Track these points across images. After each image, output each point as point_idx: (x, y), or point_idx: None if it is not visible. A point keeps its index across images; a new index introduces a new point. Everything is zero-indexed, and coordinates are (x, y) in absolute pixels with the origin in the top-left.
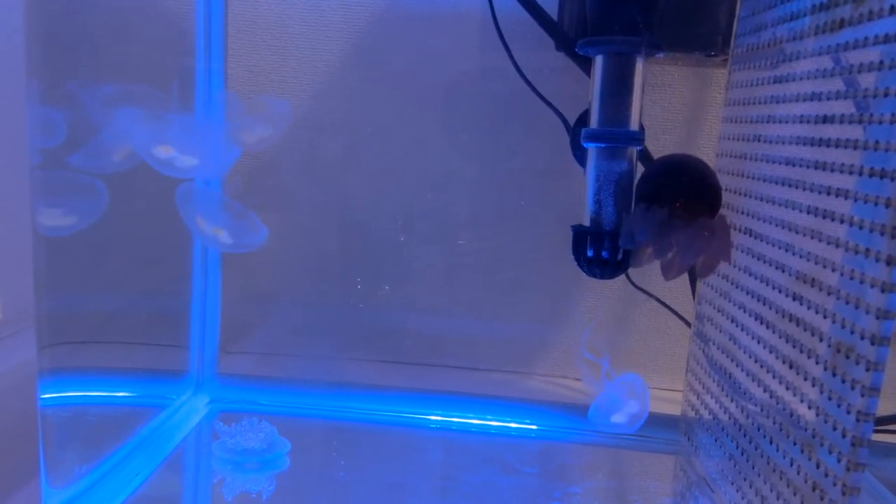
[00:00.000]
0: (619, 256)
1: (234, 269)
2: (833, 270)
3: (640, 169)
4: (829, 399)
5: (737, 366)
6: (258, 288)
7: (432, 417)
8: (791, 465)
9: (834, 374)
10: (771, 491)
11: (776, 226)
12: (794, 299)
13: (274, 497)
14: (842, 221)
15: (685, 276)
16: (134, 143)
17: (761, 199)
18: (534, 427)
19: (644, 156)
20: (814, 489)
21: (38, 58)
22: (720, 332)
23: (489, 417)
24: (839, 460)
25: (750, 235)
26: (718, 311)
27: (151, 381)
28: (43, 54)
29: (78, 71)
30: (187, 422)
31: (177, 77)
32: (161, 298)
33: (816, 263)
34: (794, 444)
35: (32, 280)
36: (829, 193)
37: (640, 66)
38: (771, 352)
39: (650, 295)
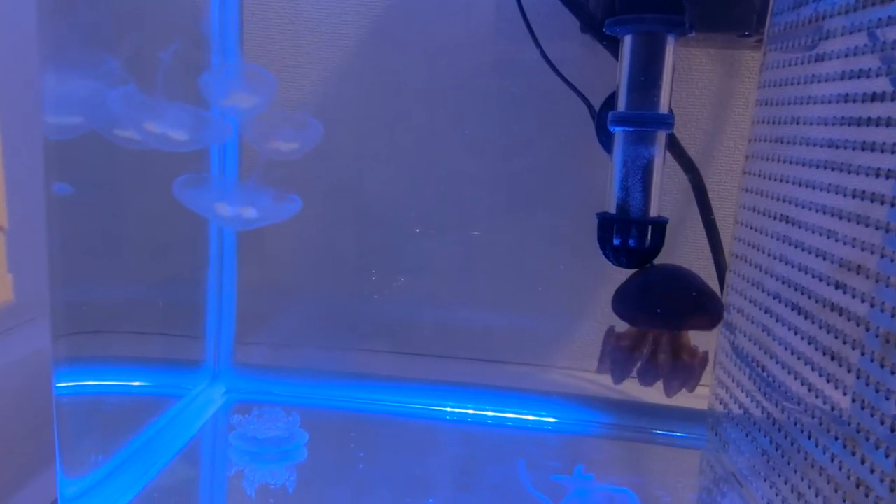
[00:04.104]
0: (647, 244)
1: (249, 260)
2: (882, 256)
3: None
4: (877, 392)
5: (770, 358)
6: (273, 278)
7: (448, 409)
8: (832, 460)
9: (882, 366)
10: (809, 487)
11: (816, 211)
12: (836, 287)
13: (292, 488)
14: (892, 204)
15: (711, 267)
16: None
17: (799, 184)
18: (552, 420)
19: (672, 142)
20: (858, 486)
21: (52, 40)
22: (751, 322)
23: (507, 410)
24: (887, 456)
25: (786, 222)
26: (750, 301)
27: (167, 371)
28: (56, 39)
29: (88, 49)
30: (204, 412)
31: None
32: (177, 288)
33: (863, 250)
34: (836, 439)
35: (47, 268)
36: (877, 175)
37: (670, 46)
38: (809, 343)
39: None
